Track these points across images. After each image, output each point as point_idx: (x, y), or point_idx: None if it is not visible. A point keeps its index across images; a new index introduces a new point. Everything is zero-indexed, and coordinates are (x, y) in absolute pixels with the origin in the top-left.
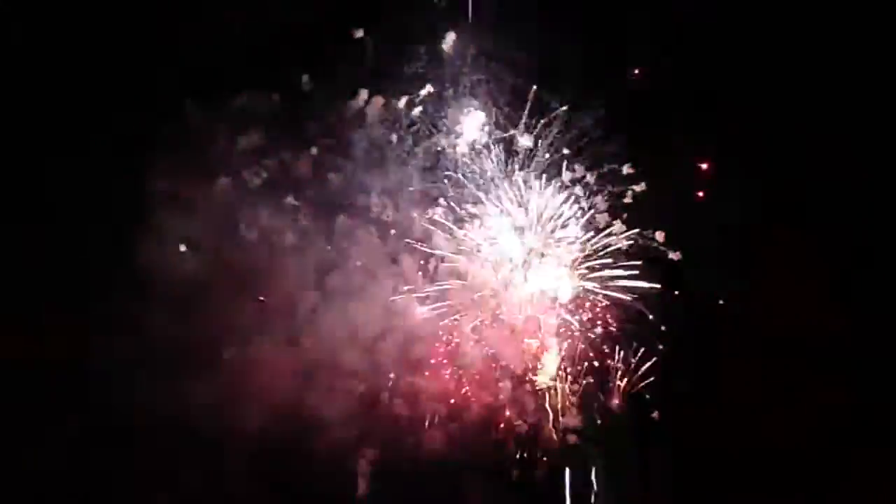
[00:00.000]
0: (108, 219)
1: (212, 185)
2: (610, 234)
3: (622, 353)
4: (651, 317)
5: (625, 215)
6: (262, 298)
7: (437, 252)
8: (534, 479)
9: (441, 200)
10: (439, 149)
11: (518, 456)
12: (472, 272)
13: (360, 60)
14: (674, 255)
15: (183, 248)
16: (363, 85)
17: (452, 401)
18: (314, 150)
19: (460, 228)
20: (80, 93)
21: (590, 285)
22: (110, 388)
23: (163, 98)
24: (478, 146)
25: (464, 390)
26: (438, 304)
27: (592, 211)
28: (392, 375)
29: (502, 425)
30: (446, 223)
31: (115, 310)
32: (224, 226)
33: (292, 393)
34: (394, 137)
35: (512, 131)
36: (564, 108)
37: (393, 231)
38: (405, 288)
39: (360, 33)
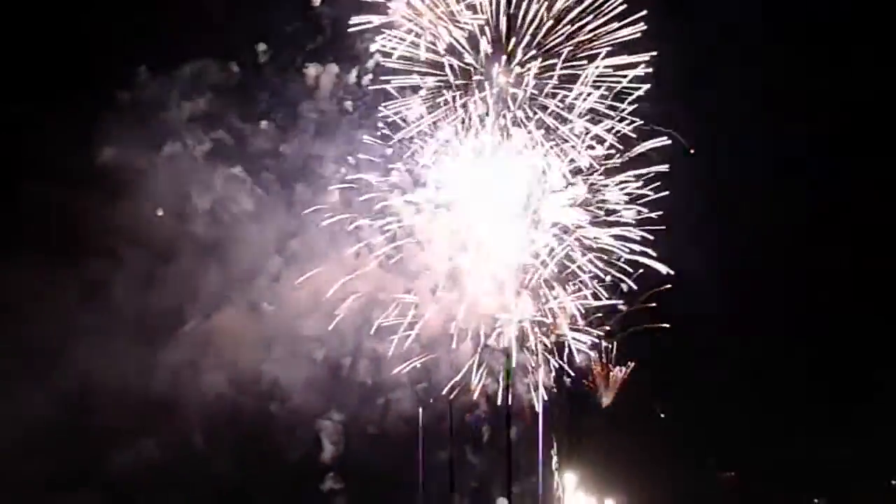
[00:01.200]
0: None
1: (167, 152)
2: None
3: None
4: None
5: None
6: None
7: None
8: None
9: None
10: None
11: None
12: (429, 234)
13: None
14: None
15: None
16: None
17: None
18: (269, 120)
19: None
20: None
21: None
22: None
23: (116, 66)
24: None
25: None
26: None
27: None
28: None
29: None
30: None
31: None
32: (180, 194)
33: (254, 358)
34: (349, 106)
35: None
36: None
37: (352, 197)
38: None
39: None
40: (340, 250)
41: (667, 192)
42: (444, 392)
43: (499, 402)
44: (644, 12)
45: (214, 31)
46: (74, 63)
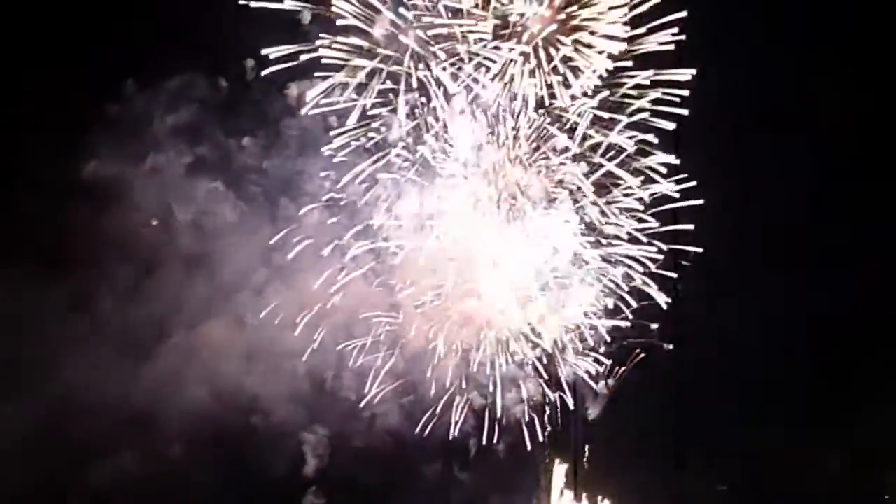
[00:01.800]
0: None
1: (152, 165)
2: None
3: None
4: None
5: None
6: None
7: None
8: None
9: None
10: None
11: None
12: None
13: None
14: None
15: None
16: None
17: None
18: (254, 136)
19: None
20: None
21: None
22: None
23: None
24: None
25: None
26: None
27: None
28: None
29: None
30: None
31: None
32: (164, 207)
33: (236, 372)
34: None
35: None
36: None
37: (336, 211)
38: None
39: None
40: (325, 265)
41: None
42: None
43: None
44: None
45: (203, 46)
46: (63, 74)
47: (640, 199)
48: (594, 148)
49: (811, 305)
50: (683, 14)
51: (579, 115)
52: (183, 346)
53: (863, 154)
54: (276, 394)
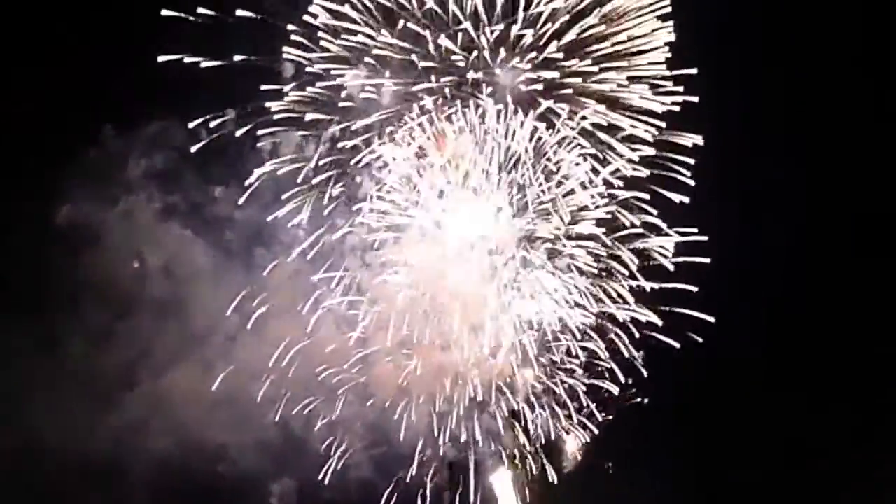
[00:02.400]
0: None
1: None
2: None
3: None
4: None
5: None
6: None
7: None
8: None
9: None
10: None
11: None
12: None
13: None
14: None
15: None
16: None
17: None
18: (227, 185)
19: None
20: None
21: None
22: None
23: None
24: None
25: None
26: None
27: None
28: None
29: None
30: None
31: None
32: (136, 253)
33: (204, 420)
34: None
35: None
36: None
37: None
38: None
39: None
40: (296, 314)
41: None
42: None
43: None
44: None
45: (183, 94)
46: (40, 117)
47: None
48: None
49: None
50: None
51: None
52: (150, 393)
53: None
54: (243, 443)
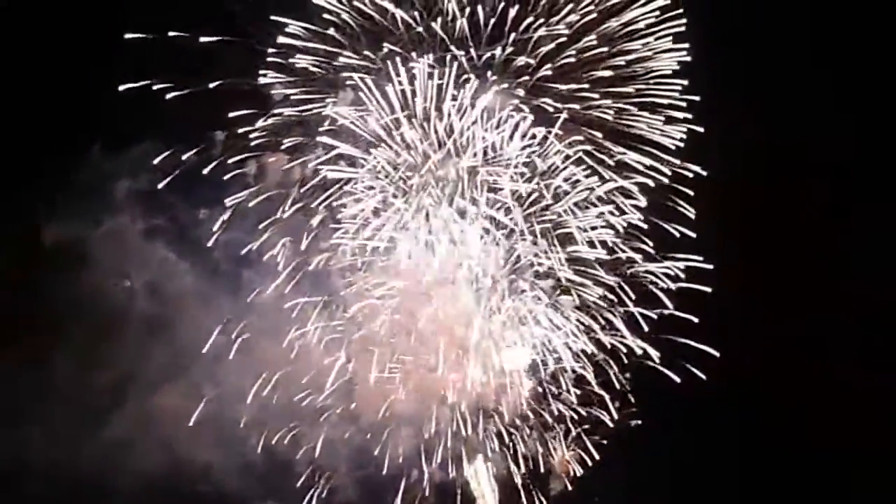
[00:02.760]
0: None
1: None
2: None
3: None
4: None
5: None
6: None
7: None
8: None
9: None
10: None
11: None
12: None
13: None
14: None
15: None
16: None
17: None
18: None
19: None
20: None
21: None
22: None
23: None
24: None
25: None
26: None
27: None
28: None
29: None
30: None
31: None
32: (122, 274)
33: (189, 441)
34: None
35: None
36: None
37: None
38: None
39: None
40: (282, 335)
41: None
42: None
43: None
44: None
45: (174, 116)
46: (27, 135)
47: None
48: None
49: None
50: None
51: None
52: (136, 413)
53: None
54: (228, 464)
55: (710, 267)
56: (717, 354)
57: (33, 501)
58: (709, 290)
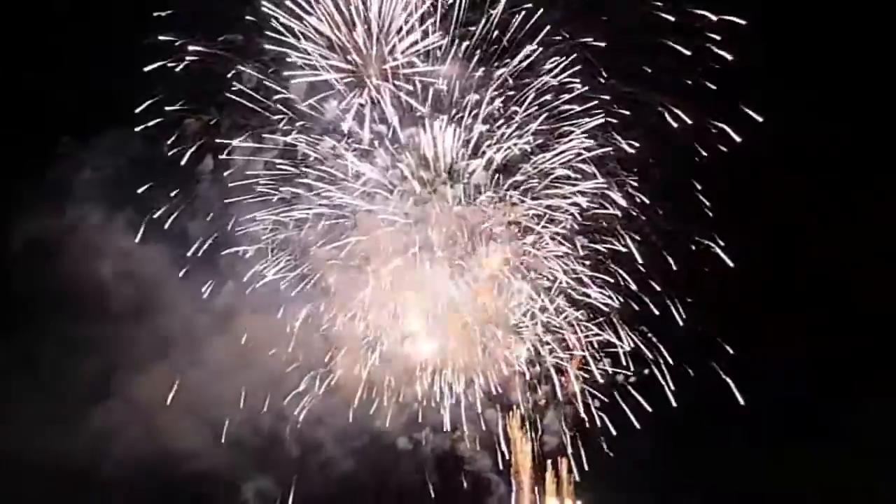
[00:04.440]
0: None
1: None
2: None
3: None
4: None
5: None
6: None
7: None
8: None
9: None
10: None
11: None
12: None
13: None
14: None
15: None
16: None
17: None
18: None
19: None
20: None
21: None
22: None
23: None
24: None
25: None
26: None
27: None
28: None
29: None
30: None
31: None
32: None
33: (175, 425)
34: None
35: None
36: None
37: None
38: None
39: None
40: (265, 312)
41: None
42: None
43: None
44: None
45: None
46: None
47: None
48: None
49: None
50: None
51: None
52: (122, 399)
53: None
54: (218, 445)
55: None
56: None
57: (23, 495)
58: None
